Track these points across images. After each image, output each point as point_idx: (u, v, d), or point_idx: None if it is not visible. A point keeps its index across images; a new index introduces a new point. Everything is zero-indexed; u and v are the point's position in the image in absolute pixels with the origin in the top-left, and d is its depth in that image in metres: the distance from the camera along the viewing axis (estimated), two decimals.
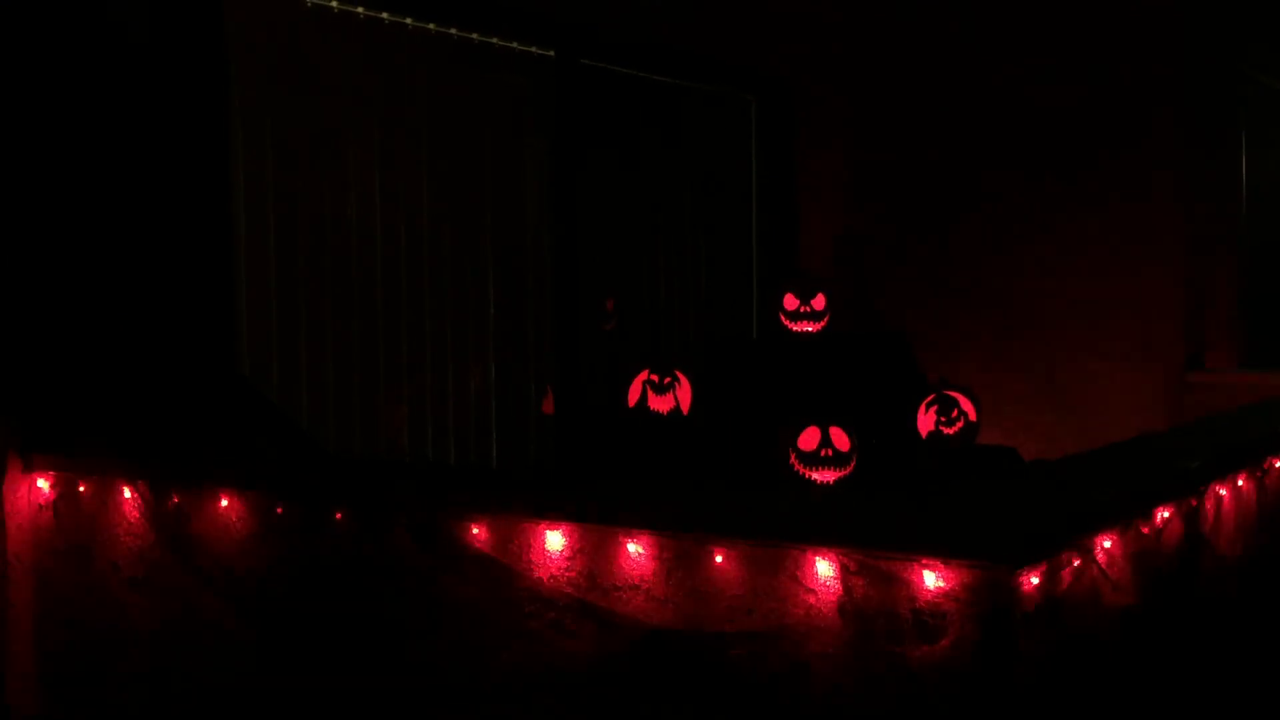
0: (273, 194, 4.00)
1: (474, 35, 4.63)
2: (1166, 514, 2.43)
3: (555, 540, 2.33)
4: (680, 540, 2.19)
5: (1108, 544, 2.19)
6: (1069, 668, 2.11)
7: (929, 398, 4.53)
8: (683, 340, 5.68)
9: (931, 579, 1.94)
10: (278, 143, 4.01)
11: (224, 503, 2.73)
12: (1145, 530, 2.34)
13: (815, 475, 4.02)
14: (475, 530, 2.42)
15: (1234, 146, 6.24)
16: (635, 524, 2.25)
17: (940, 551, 1.95)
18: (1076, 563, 2.09)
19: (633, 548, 2.24)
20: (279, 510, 2.66)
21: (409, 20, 4.38)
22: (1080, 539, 2.12)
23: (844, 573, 2.02)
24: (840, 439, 4.04)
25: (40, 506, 3.02)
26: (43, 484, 3.02)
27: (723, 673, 2.14)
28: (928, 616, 1.94)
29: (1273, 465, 3.04)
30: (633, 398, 4.58)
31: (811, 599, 2.05)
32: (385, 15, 4.29)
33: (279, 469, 2.91)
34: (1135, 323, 5.74)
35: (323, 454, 3.72)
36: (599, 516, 2.30)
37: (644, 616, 2.21)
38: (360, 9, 4.20)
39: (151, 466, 2.89)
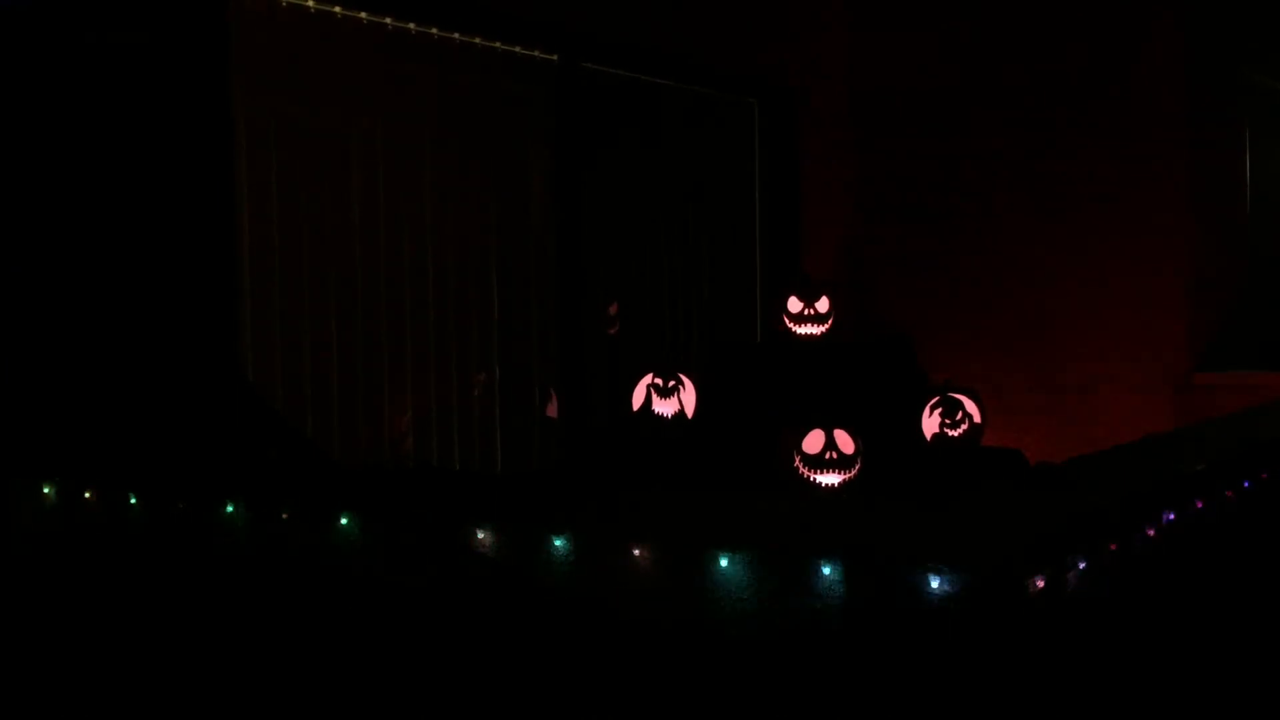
0: (277, 199, 4.00)
1: (477, 40, 4.63)
2: (1172, 517, 2.43)
3: (561, 547, 2.33)
4: (685, 547, 2.19)
5: (1113, 547, 2.19)
6: (1075, 671, 2.10)
7: (934, 400, 4.53)
8: (686, 344, 5.68)
9: (937, 583, 1.94)
10: (282, 148, 4.02)
11: (229, 509, 2.73)
12: (1151, 533, 2.33)
13: (819, 478, 4.01)
14: (480, 536, 2.42)
15: (1238, 149, 6.24)
16: (640, 531, 2.25)
17: (945, 556, 1.94)
18: (1082, 566, 2.09)
19: (637, 554, 2.24)
20: (284, 517, 2.67)
21: (412, 25, 4.39)
22: (1085, 542, 2.12)
23: (849, 578, 2.02)
24: (845, 442, 4.04)
25: (44, 512, 3.02)
26: (47, 490, 3.02)
27: (726, 677, 2.14)
28: (933, 621, 1.94)
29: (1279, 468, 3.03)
30: (637, 401, 4.59)
31: (817, 605, 2.04)
32: (389, 20, 4.30)
33: (283, 476, 2.92)
34: (1140, 324, 5.73)
35: (327, 460, 3.72)
36: (603, 524, 2.30)
37: (648, 621, 2.21)
38: (364, 14, 4.21)
39: (156, 473, 2.89)
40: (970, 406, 4.49)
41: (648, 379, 4.57)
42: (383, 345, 4.35)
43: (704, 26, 5.48)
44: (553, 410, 4.98)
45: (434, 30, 4.46)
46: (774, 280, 5.90)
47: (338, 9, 4.13)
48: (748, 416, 4.67)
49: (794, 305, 4.83)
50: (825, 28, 6.23)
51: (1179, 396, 5.63)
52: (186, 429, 3.26)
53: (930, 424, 4.51)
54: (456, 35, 4.54)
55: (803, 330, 4.84)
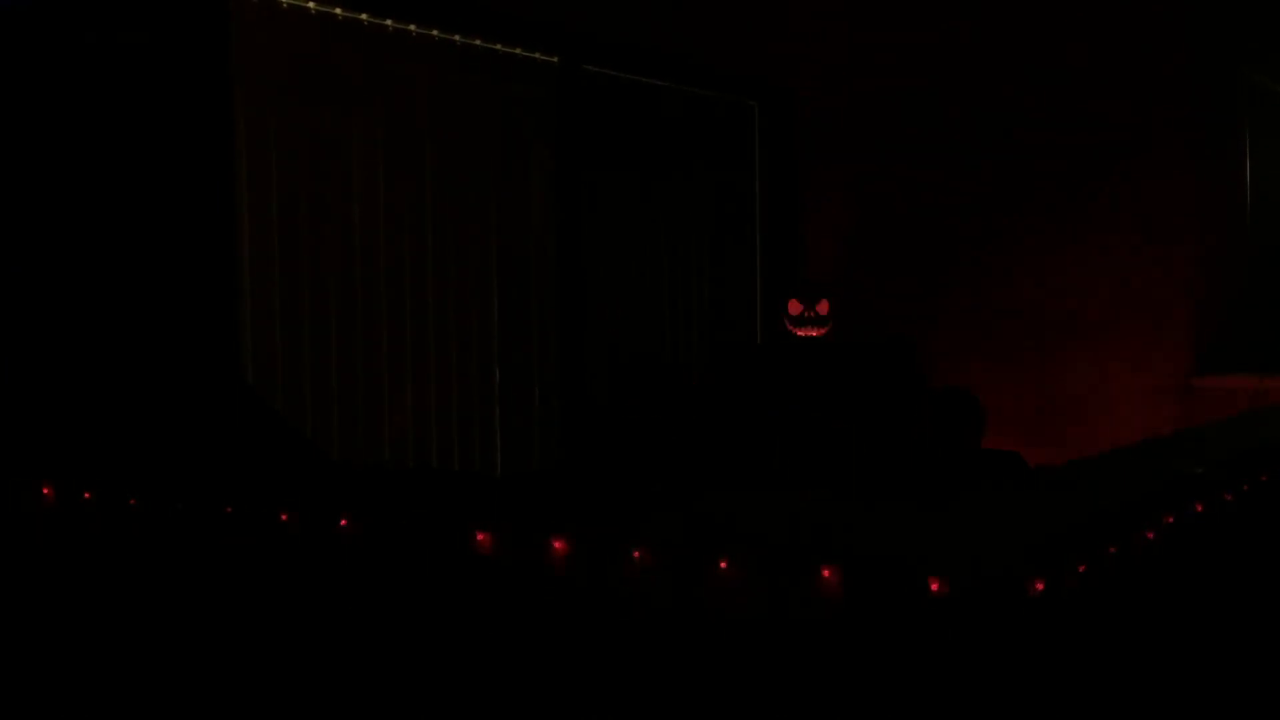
0: (277, 199, 4.00)
1: (477, 41, 4.63)
2: (1171, 520, 2.43)
3: (561, 548, 2.33)
4: (685, 548, 2.19)
5: (1113, 550, 2.19)
6: (1075, 674, 2.10)
7: (933, 402, 4.52)
8: (686, 345, 5.68)
9: (935, 587, 1.94)
10: (282, 149, 4.02)
11: (228, 510, 2.73)
12: (1150, 536, 2.33)
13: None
14: (480, 538, 2.41)
15: (1238, 151, 6.23)
16: (640, 532, 2.25)
17: (944, 559, 1.94)
18: (1081, 570, 2.09)
19: (637, 555, 2.24)
20: (283, 517, 2.66)
21: (413, 27, 4.39)
22: (1085, 545, 2.12)
23: (848, 580, 2.02)
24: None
25: (44, 515, 3.01)
26: (46, 492, 3.01)
27: (725, 678, 2.14)
28: (931, 625, 1.94)
29: (1279, 470, 3.03)
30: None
31: (816, 606, 2.04)
32: (389, 22, 4.30)
33: (283, 476, 2.91)
34: (1141, 326, 5.72)
35: (327, 460, 3.72)
36: (603, 525, 2.30)
37: (647, 622, 2.21)
38: (364, 16, 4.21)
39: (155, 474, 2.89)
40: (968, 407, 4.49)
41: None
42: (383, 345, 4.35)
43: (704, 28, 5.48)
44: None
45: (434, 32, 4.46)
46: (774, 282, 5.90)
47: (338, 10, 4.13)
48: (748, 418, 4.68)
49: (794, 308, 4.88)
50: (825, 28, 6.22)
51: (1179, 399, 5.63)
52: (186, 429, 3.26)
53: (927, 424, 4.51)
54: (457, 37, 4.54)
55: (803, 333, 4.89)
